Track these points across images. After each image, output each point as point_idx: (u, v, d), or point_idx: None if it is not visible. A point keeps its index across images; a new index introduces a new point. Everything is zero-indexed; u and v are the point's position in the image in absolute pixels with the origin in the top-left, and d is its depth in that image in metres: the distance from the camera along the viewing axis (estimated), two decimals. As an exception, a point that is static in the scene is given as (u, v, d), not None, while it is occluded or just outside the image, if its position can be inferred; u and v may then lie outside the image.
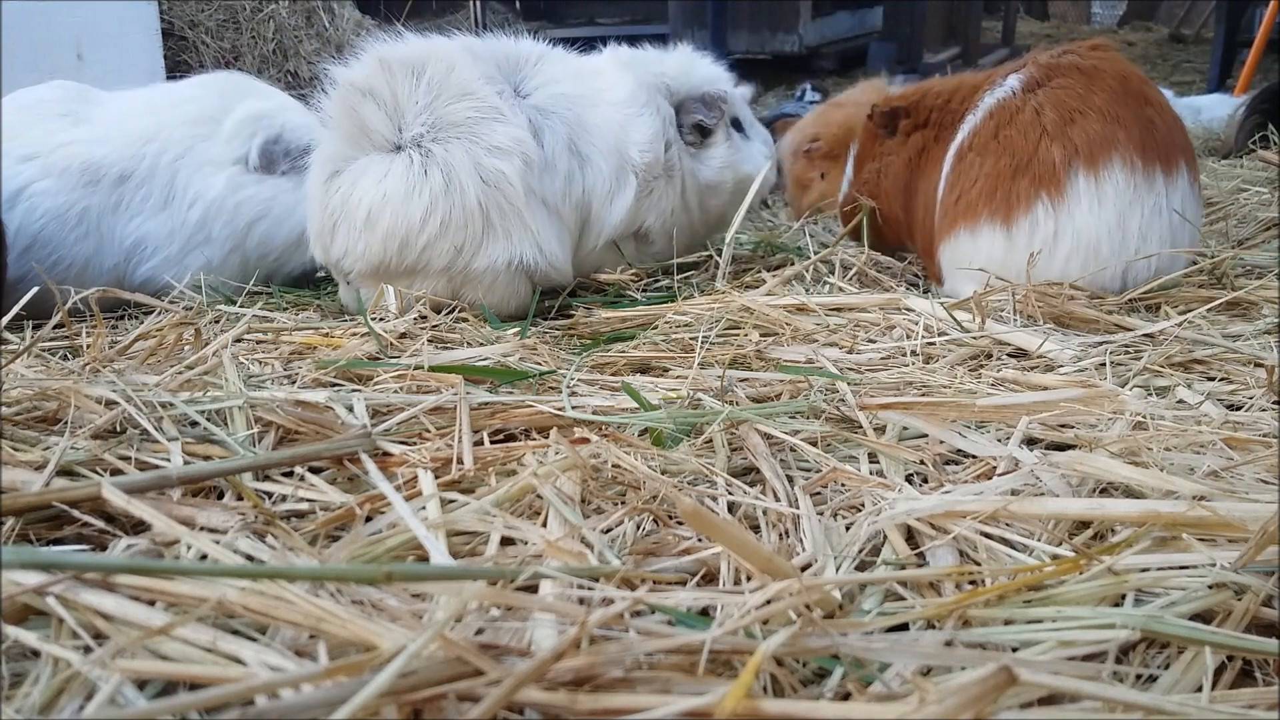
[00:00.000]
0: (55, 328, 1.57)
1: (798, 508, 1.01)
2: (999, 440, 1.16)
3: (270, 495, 1.04)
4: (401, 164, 1.76)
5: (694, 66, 2.16)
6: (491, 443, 1.20)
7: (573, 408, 1.26)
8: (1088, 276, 1.76)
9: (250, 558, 0.88)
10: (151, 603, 0.78)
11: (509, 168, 1.76)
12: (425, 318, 1.72)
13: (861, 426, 1.21)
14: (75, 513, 0.95)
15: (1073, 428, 1.20)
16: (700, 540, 0.95)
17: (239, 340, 1.62)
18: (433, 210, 1.74)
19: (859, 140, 2.30)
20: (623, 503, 1.03)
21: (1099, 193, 1.74)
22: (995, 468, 1.09)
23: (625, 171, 1.97)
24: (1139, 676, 0.76)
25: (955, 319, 1.62)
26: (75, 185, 2.05)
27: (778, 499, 1.04)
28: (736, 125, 2.22)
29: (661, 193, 2.04)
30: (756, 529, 1.01)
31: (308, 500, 1.03)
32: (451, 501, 1.02)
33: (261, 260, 2.20)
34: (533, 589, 0.83)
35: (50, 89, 2.21)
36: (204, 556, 0.87)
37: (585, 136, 1.93)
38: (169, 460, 1.08)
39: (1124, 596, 0.83)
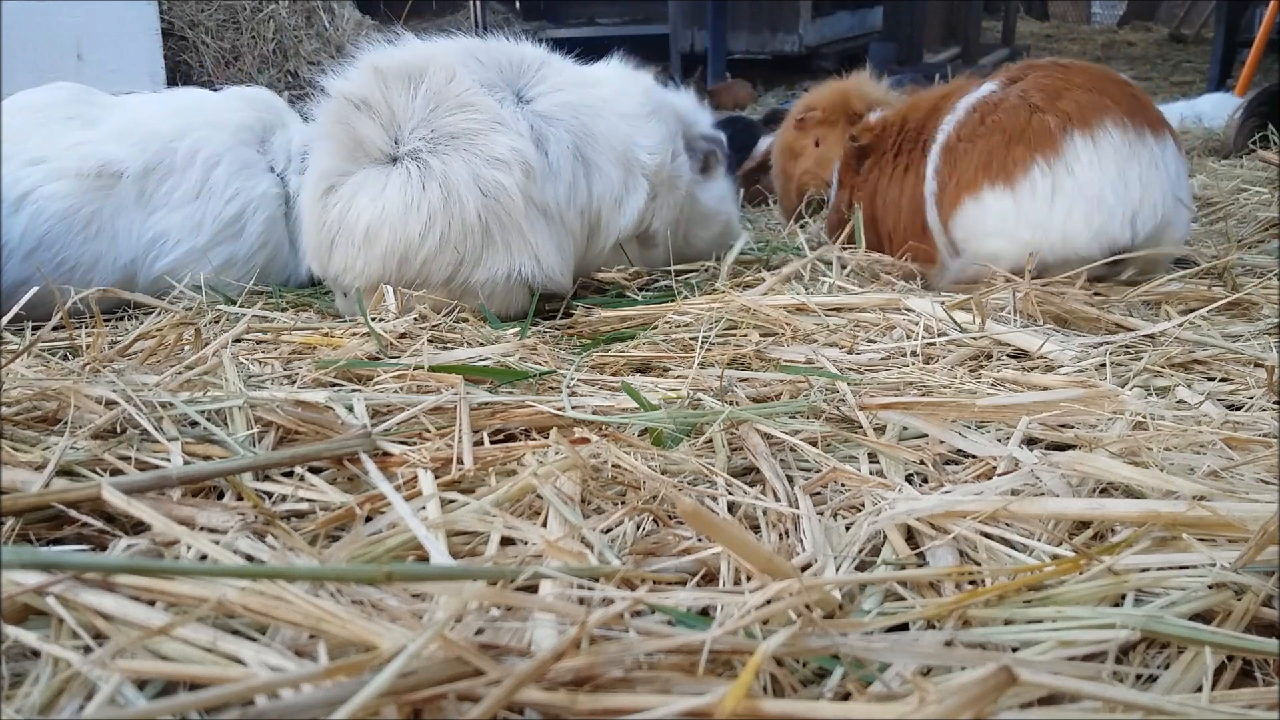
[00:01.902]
0: (55, 328, 1.57)
1: (798, 508, 1.01)
2: (999, 440, 1.16)
3: (270, 495, 1.04)
4: (399, 178, 1.75)
5: (689, 101, 2.28)
6: (491, 443, 1.20)
7: (573, 408, 1.26)
8: (1095, 223, 1.82)
9: (250, 558, 0.88)
10: (151, 603, 0.78)
11: (508, 179, 1.75)
12: (425, 318, 1.72)
13: (861, 426, 1.21)
14: (75, 513, 0.95)
15: (1073, 428, 1.20)
16: (700, 540, 0.95)
17: (239, 340, 1.62)
18: (432, 225, 1.73)
19: (840, 160, 2.41)
20: (623, 503, 1.03)
21: (1098, 150, 1.83)
22: (995, 468, 1.09)
23: (635, 175, 1.99)
24: (1139, 676, 0.76)
25: (955, 319, 1.62)
26: (88, 186, 2.05)
27: (778, 499, 1.04)
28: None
29: (664, 199, 2.07)
30: (756, 529, 1.01)
31: (308, 500, 1.03)
32: (451, 501, 1.02)
33: (303, 261, 2.22)
34: (533, 589, 0.83)
35: (52, 91, 2.21)
36: (204, 557, 0.87)
37: (592, 143, 1.92)
38: (169, 460, 1.08)
39: (1124, 596, 0.83)
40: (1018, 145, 1.86)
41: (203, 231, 2.12)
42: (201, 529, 0.93)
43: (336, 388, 1.38)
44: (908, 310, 1.71)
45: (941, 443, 1.16)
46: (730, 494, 1.05)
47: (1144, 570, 0.85)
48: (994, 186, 1.88)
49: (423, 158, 1.75)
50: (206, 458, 1.10)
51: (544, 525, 0.97)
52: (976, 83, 2.09)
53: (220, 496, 1.05)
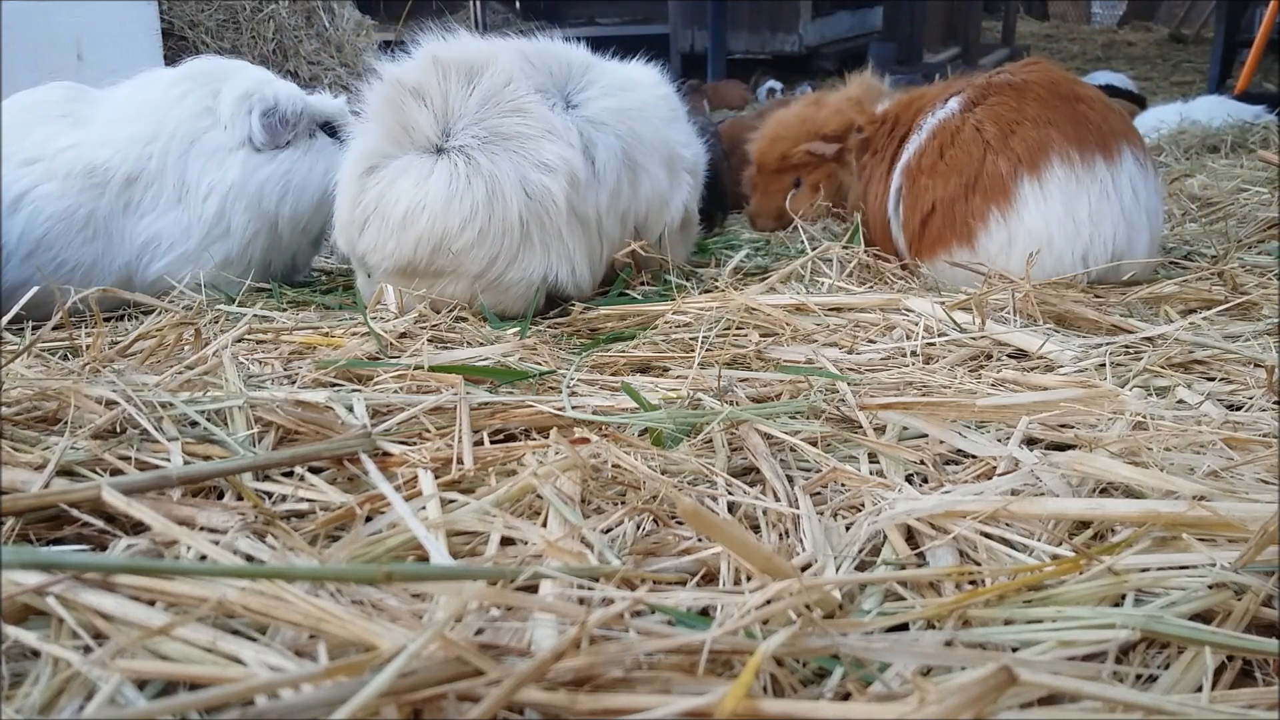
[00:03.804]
0: (55, 328, 1.57)
1: (798, 508, 1.01)
2: (999, 440, 1.16)
3: (270, 495, 1.04)
4: (444, 169, 1.76)
5: None
6: (491, 443, 1.20)
7: (573, 408, 1.26)
8: (1048, 267, 1.88)
9: (250, 558, 0.88)
10: (151, 603, 0.78)
11: (555, 185, 1.77)
12: (425, 318, 1.72)
13: (861, 426, 1.21)
14: (75, 512, 0.95)
15: (1073, 428, 1.20)
16: (700, 540, 0.95)
17: (239, 340, 1.62)
18: (472, 219, 1.74)
19: (855, 152, 2.50)
20: (623, 503, 1.03)
21: (1044, 192, 1.87)
22: (995, 468, 1.09)
23: (678, 172, 2.10)
24: (1139, 676, 0.76)
25: (955, 320, 1.62)
26: (81, 188, 2.04)
27: (778, 499, 1.04)
28: None
29: (696, 183, 2.23)
30: (756, 529, 1.01)
31: (308, 500, 1.03)
32: (451, 501, 1.02)
33: (293, 233, 2.22)
34: (533, 589, 0.83)
35: (50, 90, 2.21)
36: (203, 557, 0.87)
37: (640, 147, 1.96)
38: (169, 460, 1.08)
39: (1124, 596, 0.83)
40: (974, 194, 1.93)
41: (192, 235, 2.11)
42: (201, 529, 0.93)
43: (336, 388, 1.38)
44: (907, 310, 1.71)
45: (941, 443, 1.16)
46: (730, 494, 1.05)
47: (1144, 570, 0.85)
48: (960, 246, 1.97)
49: (471, 153, 1.76)
50: (206, 458, 1.10)
51: (544, 525, 0.97)
52: (946, 91, 2.14)
53: (220, 496, 1.05)
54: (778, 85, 8.21)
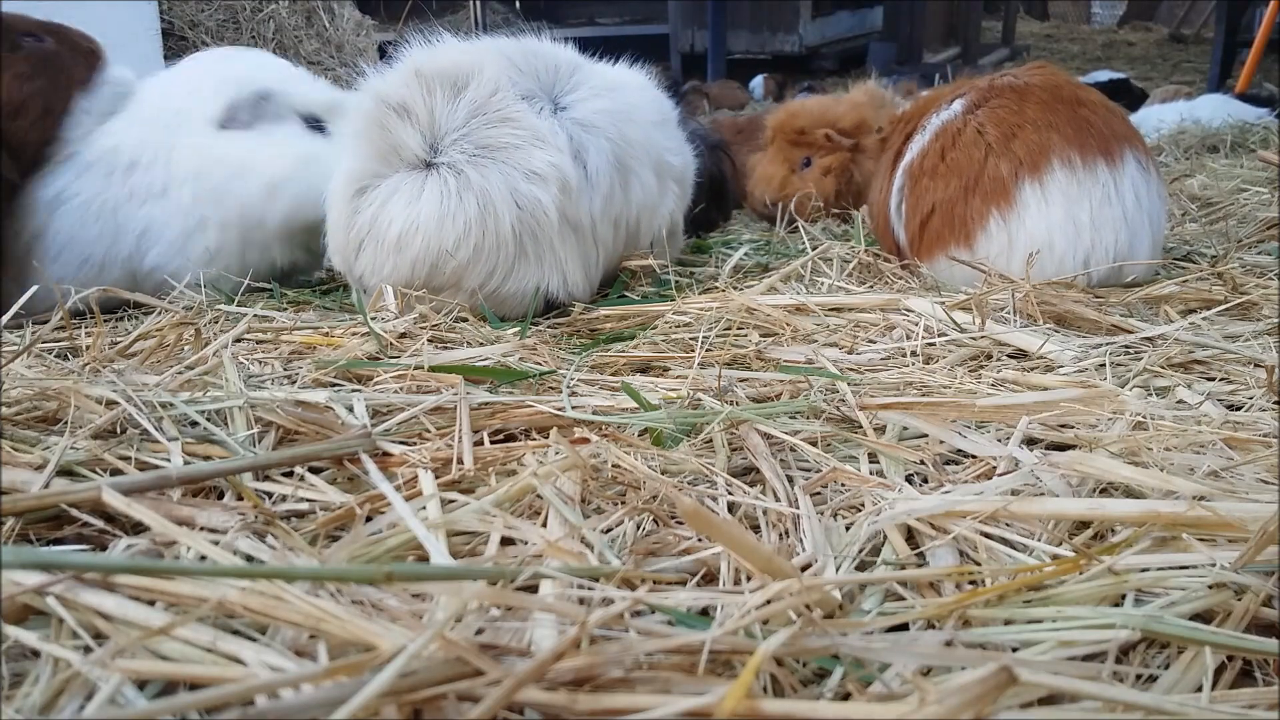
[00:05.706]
0: (55, 329, 1.57)
1: (798, 508, 1.01)
2: (999, 440, 1.16)
3: (270, 495, 1.04)
4: (435, 186, 1.74)
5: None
6: (491, 443, 1.20)
7: (573, 408, 1.26)
8: (1049, 270, 1.87)
9: (250, 558, 0.88)
10: (151, 603, 0.78)
11: (545, 195, 1.75)
12: (425, 318, 1.72)
13: (861, 426, 1.21)
14: (75, 512, 0.95)
15: (1073, 428, 1.20)
16: (700, 540, 0.95)
17: (239, 340, 1.62)
18: (466, 236, 1.73)
19: (875, 153, 2.59)
20: (623, 503, 1.03)
21: (1045, 195, 1.86)
22: (995, 468, 1.09)
23: (666, 180, 2.09)
24: (1139, 676, 0.76)
25: (955, 320, 1.62)
26: (97, 176, 2.08)
27: (778, 499, 1.04)
28: None
29: (684, 193, 2.24)
30: (756, 529, 1.01)
31: (308, 500, 1.03)
32: (451, 501, 1.02)
33: (245, 224, 2.13)
34: (533, 589, 0.83)
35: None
36: (203, 557, 0.87)
37: (630, 151, 1.94)
38: (169, 460, 1.08)
39: (1124, 596, 0.83)
40: (974, 196, 1.92)
41: (172, 224, 2.11)
42: (201, 529, 0.93)
43: (336, 388, 1.38)
44: (907, 310, 1.71)
45: (941, 443, 1.16)
46: (730, 494, 1.05)
47: (1144, 570, 0.85)
48: (958, 247, 1.96)
49: (460, 168, 1.74)
50: (206, 458, 1.10)
51: (544, 525, 0.97)
52: (953, 93, 2.14)
53: (220, 496, 1.05)
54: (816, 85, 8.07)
